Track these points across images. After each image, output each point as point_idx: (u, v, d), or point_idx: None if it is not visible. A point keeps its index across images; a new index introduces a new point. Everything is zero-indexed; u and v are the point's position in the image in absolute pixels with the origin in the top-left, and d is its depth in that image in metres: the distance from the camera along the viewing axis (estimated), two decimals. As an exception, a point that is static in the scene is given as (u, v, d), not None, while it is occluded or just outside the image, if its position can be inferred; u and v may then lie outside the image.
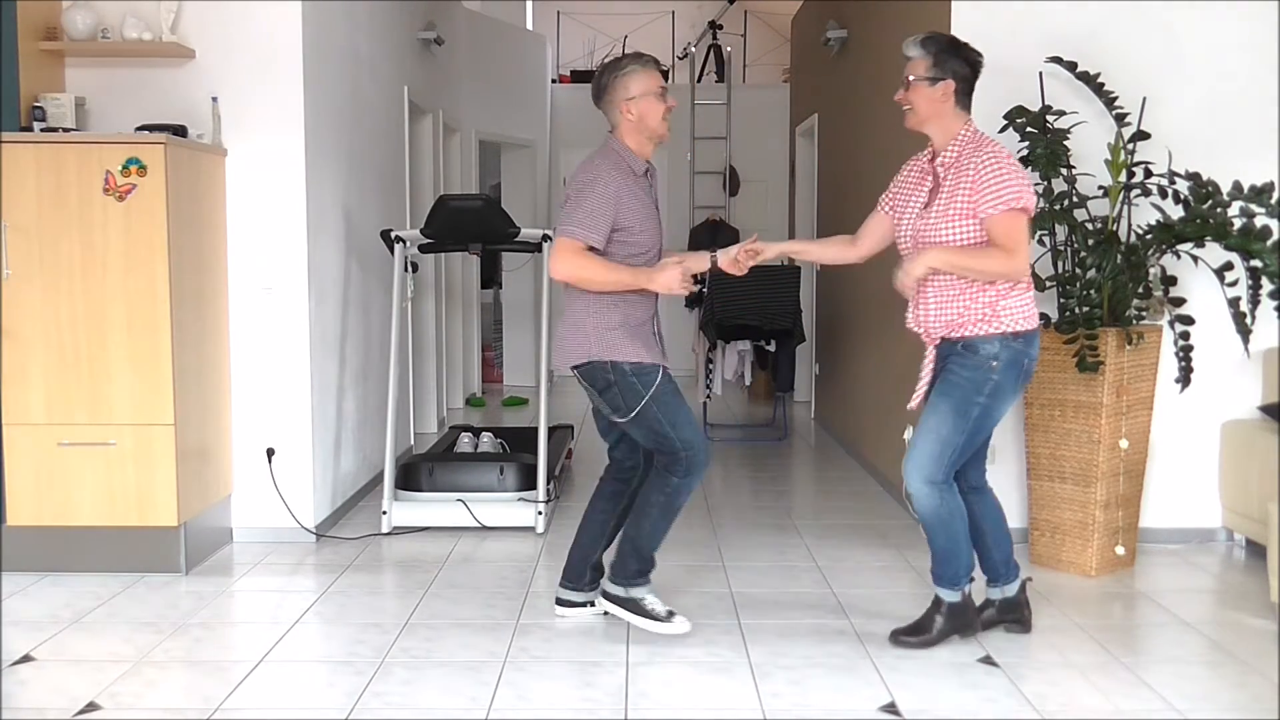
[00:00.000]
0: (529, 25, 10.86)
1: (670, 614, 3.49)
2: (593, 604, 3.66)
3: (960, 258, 3.18)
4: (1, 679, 3.13)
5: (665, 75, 3.60)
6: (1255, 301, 3.88)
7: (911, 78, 3.26)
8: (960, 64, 3.24)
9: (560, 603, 3.70)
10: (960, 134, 3.26)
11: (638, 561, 3.50)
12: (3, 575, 4.05)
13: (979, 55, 3.29)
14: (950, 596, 3.39)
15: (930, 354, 3.35)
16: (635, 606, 3.49)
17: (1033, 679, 3.15)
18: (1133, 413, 4.14)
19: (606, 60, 3.55)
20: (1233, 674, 3.21)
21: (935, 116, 3.27)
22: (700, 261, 3.52)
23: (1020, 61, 4.32)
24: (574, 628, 3.58)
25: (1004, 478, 4.51)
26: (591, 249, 3.29)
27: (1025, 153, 4.14)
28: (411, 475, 4.92)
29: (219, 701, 2.98)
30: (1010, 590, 3.52)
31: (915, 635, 3.40)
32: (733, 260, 3.46)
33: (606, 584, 3.56)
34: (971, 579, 3.41)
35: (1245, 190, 3.84)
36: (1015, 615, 3.52)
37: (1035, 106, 4.20)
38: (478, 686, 3.09)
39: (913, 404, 3.42)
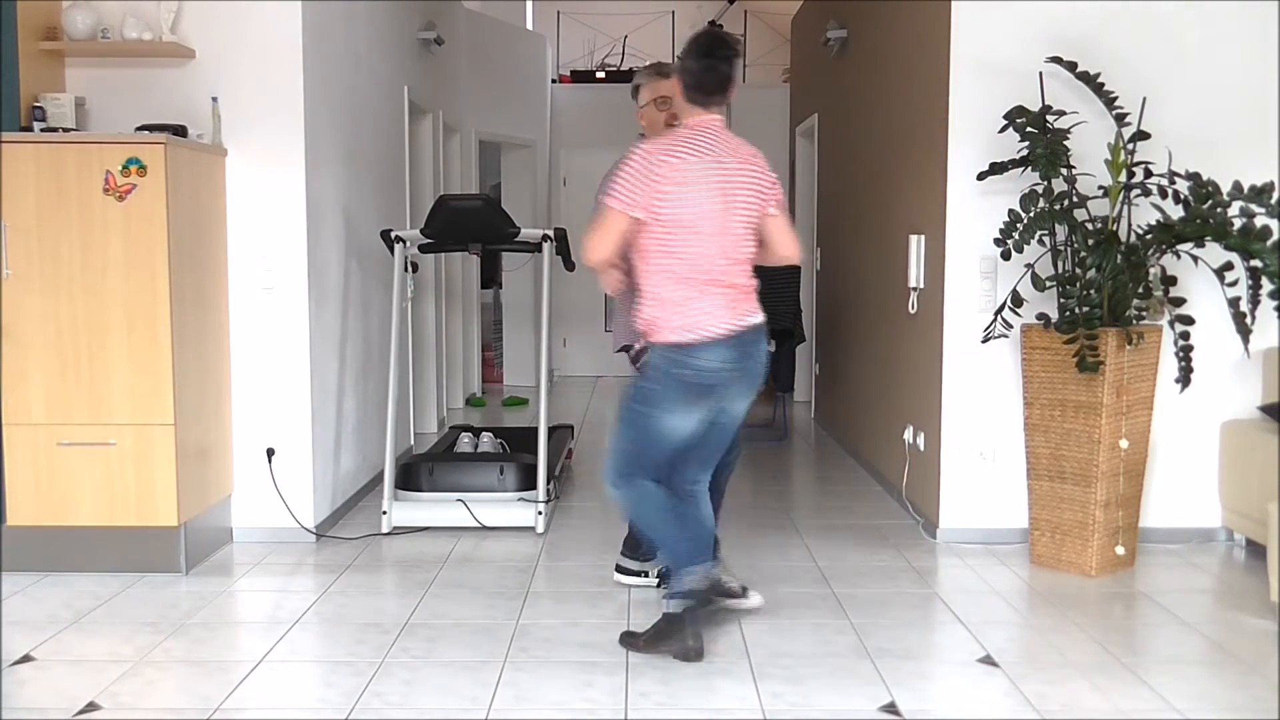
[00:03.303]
0: (529, 25, 10.86)
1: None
2: (648, 574, 3.94)
3: None
4: (1, 679, 3.14)
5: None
6: (1255, 301, 3.88)
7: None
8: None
9: (619, 570, 3.99)
10: None
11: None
12: (3, 575, 4.05)
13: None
14: (670, 605, 3.31)
15: None
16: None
17: (1033, 679, 3.15)
18: (1133, 413, 4.14)
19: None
20: (1233, 674, 3.21)
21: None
22: None
23: (1020, 61, 4.33)
24: (574, 628, 3.58)
25: (1004, 478, 4.52)
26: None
27: (1025, 152, 4.14)
28: (411, 475, 4.92)
29: (219, 701, 2.98)
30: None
31: (635, 636, 3.36)
32: None
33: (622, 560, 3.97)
34: (711, 583, 3.35)
35: (1245, 190, 3.83)
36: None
37: (1035, 106, 4.20)
38: (478, 686, 3.09)
39: None
